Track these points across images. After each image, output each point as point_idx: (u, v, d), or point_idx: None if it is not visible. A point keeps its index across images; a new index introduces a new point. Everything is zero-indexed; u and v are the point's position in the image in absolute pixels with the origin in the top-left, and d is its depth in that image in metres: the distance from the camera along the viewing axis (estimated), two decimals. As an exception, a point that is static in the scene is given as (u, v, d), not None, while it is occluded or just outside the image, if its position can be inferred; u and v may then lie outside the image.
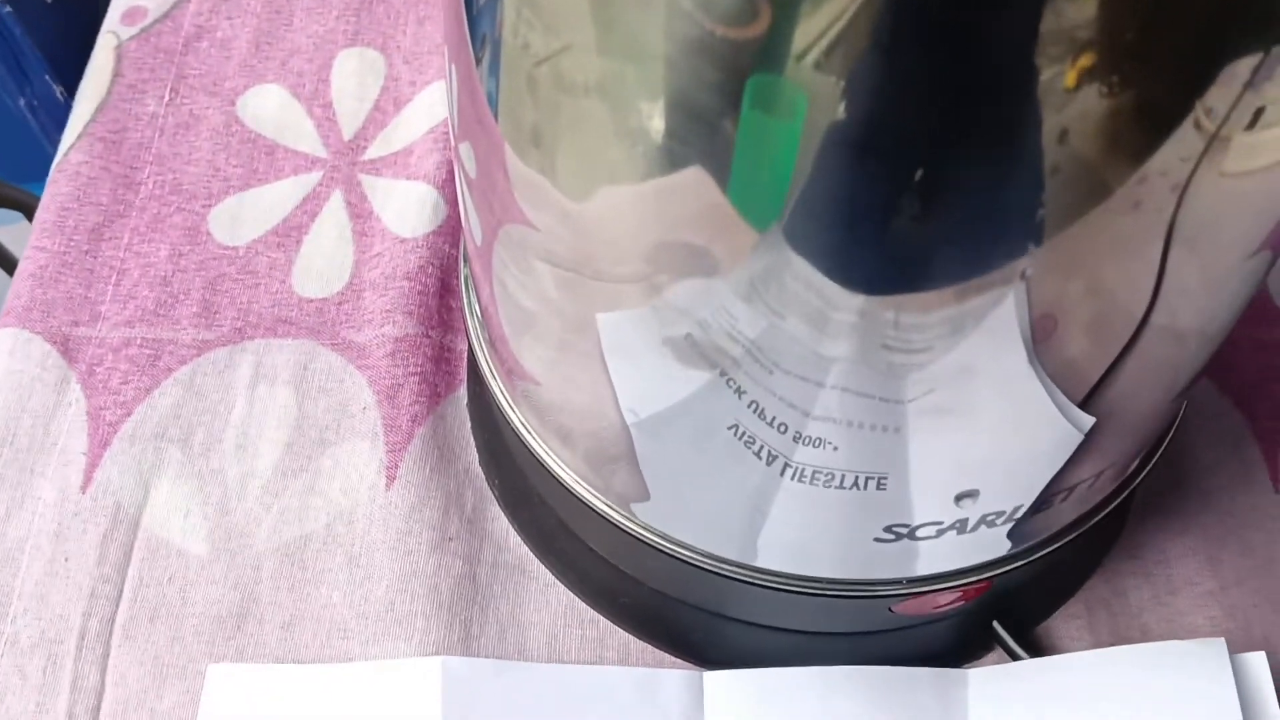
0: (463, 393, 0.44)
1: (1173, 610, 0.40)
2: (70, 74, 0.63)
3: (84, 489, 0.41)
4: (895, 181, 0.23)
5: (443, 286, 0.46)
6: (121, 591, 0.39)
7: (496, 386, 0.37)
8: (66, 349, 0.44)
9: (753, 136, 0.23)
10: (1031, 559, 0.35)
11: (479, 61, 0.28)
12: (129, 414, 0.43)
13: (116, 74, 0.50)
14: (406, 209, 0.47)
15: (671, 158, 0.24)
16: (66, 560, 0.40)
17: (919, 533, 0.32)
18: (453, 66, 0.30)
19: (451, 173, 0.48)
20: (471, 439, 0.43)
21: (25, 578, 0.39)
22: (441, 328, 0.45)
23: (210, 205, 0.47)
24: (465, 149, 0.31)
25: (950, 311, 0.26)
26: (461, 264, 0.39)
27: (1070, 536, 0.35)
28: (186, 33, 0.52)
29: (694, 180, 0.24)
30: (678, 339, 0.28)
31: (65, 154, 0.48)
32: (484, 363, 0.38)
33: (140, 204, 0.47)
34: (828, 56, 0.22)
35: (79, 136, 0.49)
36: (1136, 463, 0.36)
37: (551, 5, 0.25)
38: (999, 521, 0.32)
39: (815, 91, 0.22)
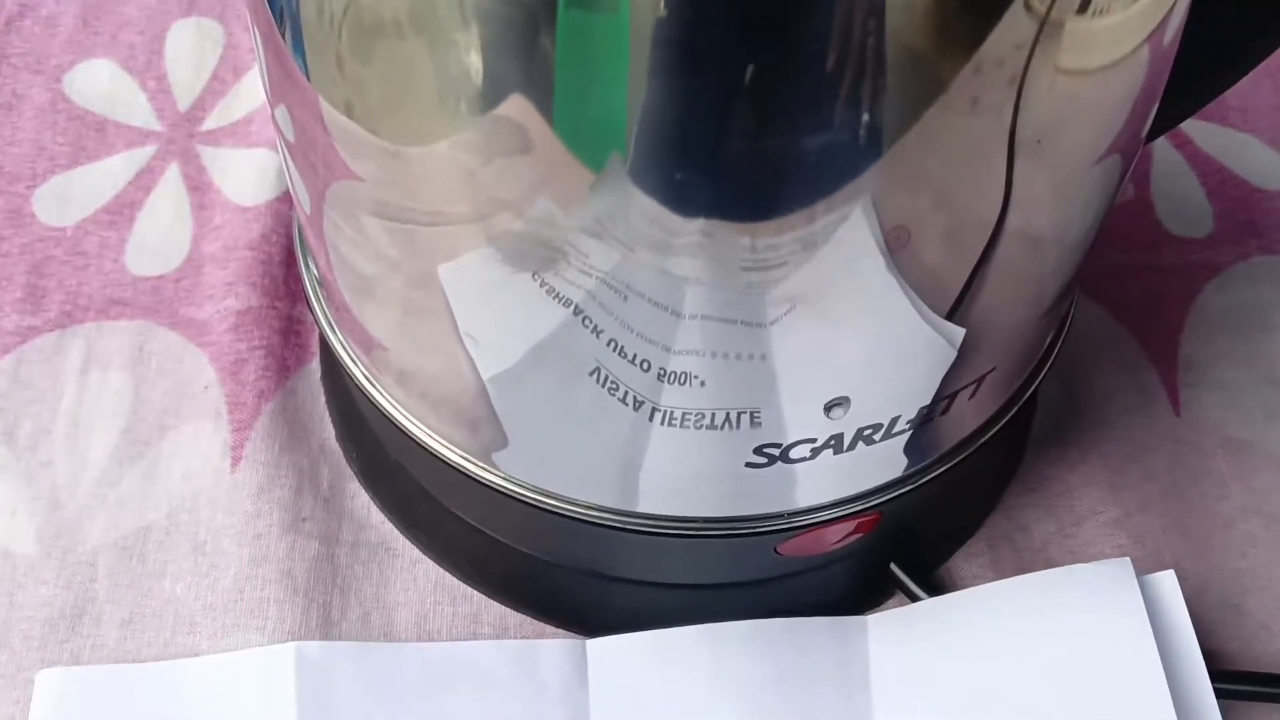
0: (315, 365, 0.41)
1: (1078, 541, 0.38)
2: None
3: (-106, 492, 0.37)
4: (724, 86, 0.21)
5: (288, 255, 0.43)
6: (-60, 600, 0.36)
7: (345, 353, 0.34)
8: (-127, 345, 0.40)
9: (573, 41, 0.21)
10: (920, 483, 0.32)
11: (279, 19, 0.25)
12: (-55, 409, 0.39)
13: (-71, 57, 0.47)
14: (247, 177, 0.44)
15: (493, 85, 0.22)
16: (-125, 569, 0.36)
17: (792, 453, 0.29)
18: (255, 30, 0.27)
19: (296, 138, 0.45)
20: (326, 413, 0.40)
21: None
22: (289, 299, 0.42)
23: (35, 186, 0.44)
24: (281, 113, 0.28)
25: (801, 229, 0.24)
26: (296, 235, 0.36)
27: (960, 458, 0.33)
28: (9, 12, 0.48)
29: (519, 107, 0.22)
30: (525, 280, 0.26)
31: (-127, 142, 0.44)
32: (329, 331, 0.35)
33: (-44, 191, 0.44)
34: None
35: (-113, 123, 0.45)
36: (1022, 379, 0.34)
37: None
38: (878, 437, 0.29)
39: None
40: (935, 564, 0.38)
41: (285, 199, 0.44)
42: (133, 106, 0.46)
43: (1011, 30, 0.21)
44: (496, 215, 0.25)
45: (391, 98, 0.24)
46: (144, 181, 0.44)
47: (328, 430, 0.40)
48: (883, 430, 0.29)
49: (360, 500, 0.39)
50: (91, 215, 0.43)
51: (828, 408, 0.28)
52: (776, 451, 0.29)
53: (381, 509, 0.39)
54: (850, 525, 0.33)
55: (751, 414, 0.29)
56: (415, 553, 0.38)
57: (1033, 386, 0.34)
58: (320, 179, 0.28)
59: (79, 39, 0.48)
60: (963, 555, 0.38)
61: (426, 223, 0.26)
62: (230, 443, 0.38)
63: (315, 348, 0.41)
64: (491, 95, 0.22)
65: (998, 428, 0.33)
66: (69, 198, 0.44)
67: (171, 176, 0.44)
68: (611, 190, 0.23)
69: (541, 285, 0.26)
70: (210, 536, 0.37)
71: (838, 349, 0.27)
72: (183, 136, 0.46)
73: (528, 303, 0.26)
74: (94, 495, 0.38)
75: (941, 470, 0.33)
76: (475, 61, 0.22)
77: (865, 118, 0.22)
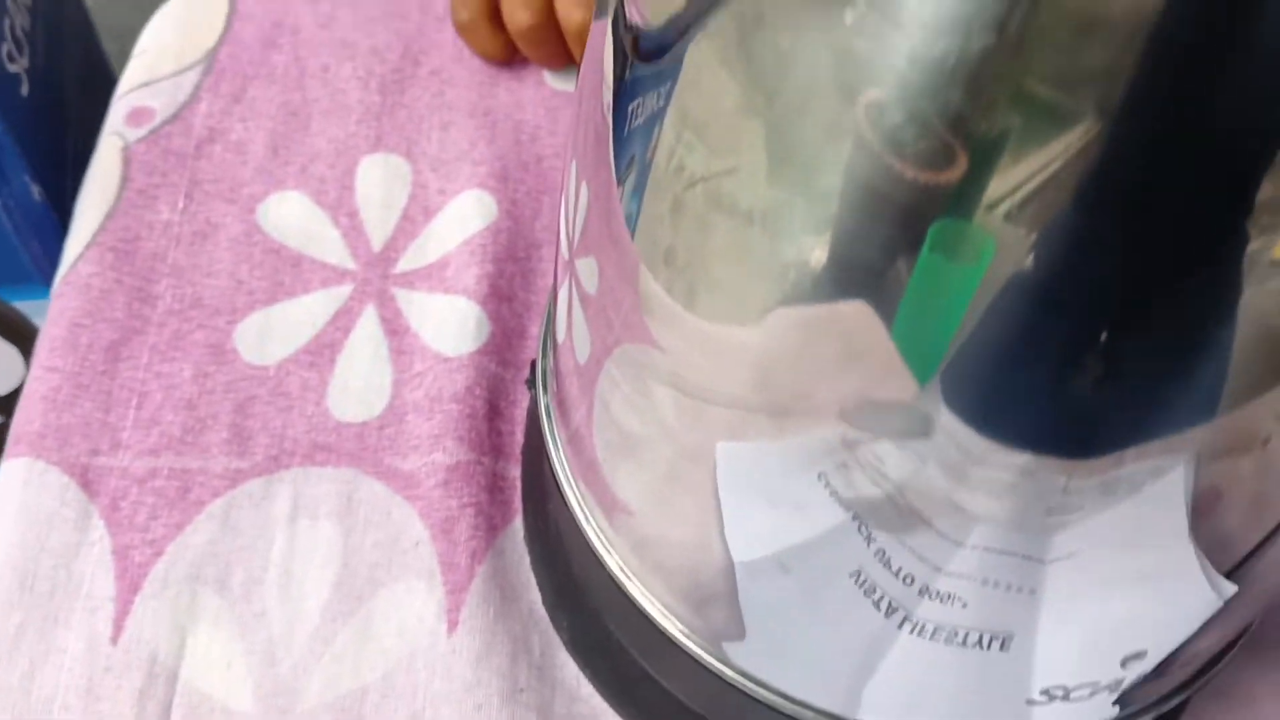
0: (519, 525, 0.42)
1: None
2: (45, 171, 0.59)
3: (114, 639, 0.37)
4: (1079, 341, 0.22)
5: (491, 409, 0.43)
6: (160, 755, 0.36)
7: (583, 516, 0.35)
8: (86, 481, 0.40)
9: (928, 280, 0.22)
10: (1160, 712, 0.33)
11: (621, 180, 0.26)
12: (160, 553, 0.39)
13: (125, 179, 0.47)
14: (446, 325, 0.45)
15: (832, 293, 0.23)
16: (100, 721, 0.36)
17: (1074, 694, 0.30)
18: (583, 183, 0.28)
19: (494, 288, 0.45)
20: (532, 576, 0.41)
21: (55, 743, 0.35)
22: (493, 454, 0.42)
23: (235, 321, 0.44)
24: (586, 264, 0.29)
25: (1111, 476, 0.25)
26: (540, 384, 0.37)
27: (1196, 686, 0.34)
28: (198, 135, 0.49)
29: (853, 316, 0.23)
30: (809, 477, 0.26)
31: (73, 265, 0.45)
32: (570, 491, 0.35)
33: (159, 319, 0.44)
34: (1023, 208, 0.21)
35: (87, 246, 0.45)
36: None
37: (718, 130, 0.23)
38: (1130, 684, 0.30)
39: (1004, 240, 0.21)
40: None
41: (486, 351, 0.44)
42: (326, 242, 0.47)
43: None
44: (803, 413, 0.25)
45: (720, 279, 0.25)
46: (342, 322, 0.45)
47: (534, 594, 0.40)
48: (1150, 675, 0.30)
49: (569, 670, 0.39)
50: (292, 355, 0.44)
51: (1124, 661, 0.29)
52: (1061, 693, 0.30)
53: (593, 681, 0.39)
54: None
55: (1004, 639, 0.29)
56: (626, 728, 0.38)
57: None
58: (612, 336, 0.28)
59: (269, 168, 0.48)
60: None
61: (722, 403, 0.27)
62: (445, 605, 0.39)
63: (518, 505, 0.42)
64: (828, 297, 0.23)
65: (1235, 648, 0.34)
66: (269, 335, 0.44)
67: (369, 319, 0.45)
68: (928, 409, 0.24)
69: (825, 485, 0.26)
70: (428, 704, 0.37)
71: (1120, 606, 0.28)
72: (377, 277, 0.46)
73: (805, 498, 0.27)
74: (309, 651, 0.38)
75: (1180, 699, 0.33)
76: (820, 266, 0.23)
77: (1213, 390, 0.23)
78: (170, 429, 0.42)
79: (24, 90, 0.59)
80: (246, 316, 0.45)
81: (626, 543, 0.33)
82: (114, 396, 0.42)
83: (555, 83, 0.53)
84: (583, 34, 0.49)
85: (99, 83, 0.77)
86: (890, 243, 0.22)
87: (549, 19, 0.50)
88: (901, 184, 0.21)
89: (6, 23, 0.59)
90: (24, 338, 0.65)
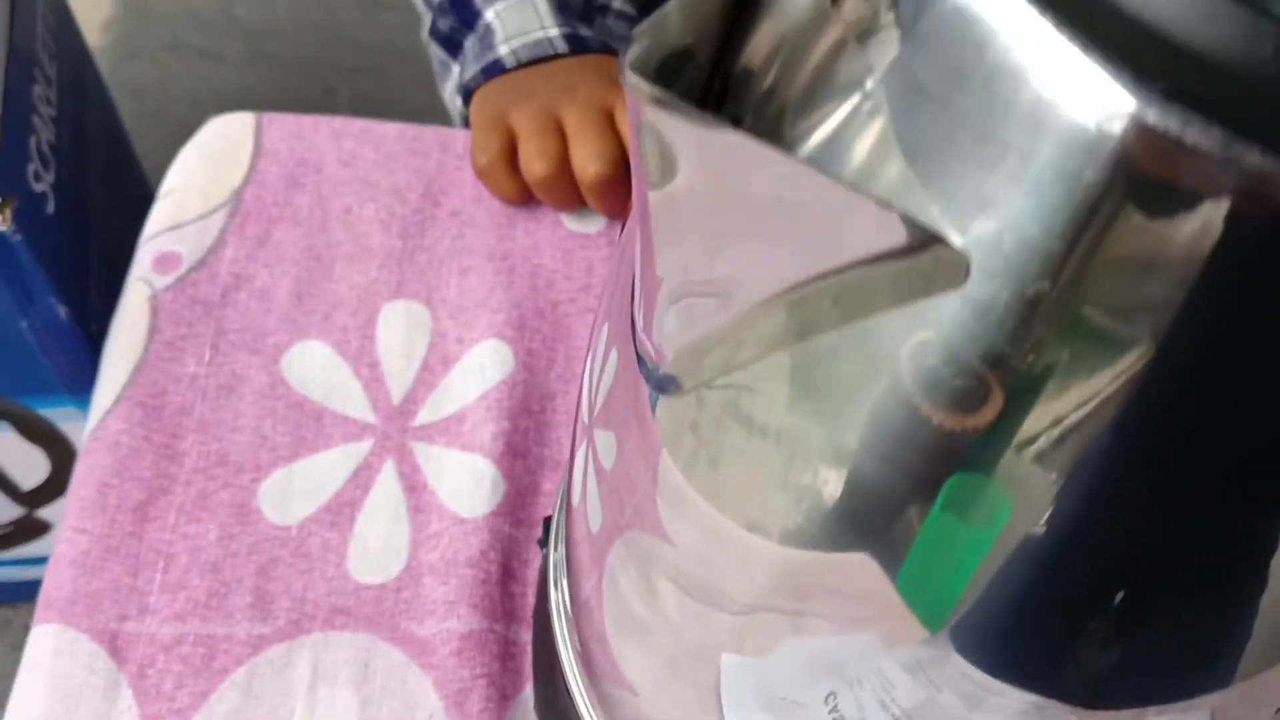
0: (529, 693, 0.43)
1: None
2: (70, 287, 0.60)
3: (141, 815, 0.39)
4: (1092, 603, 0.23)
5: (504, 572, 0.44)
6: None
7: (578, 692, 0.36)
8: (115, 648, 0.41)
9: (937, 537, 0.23)
10: None
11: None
12: (186, 724, 0.40)
13: (153, 329, 0.49)
14: (463, 484, 0.46)
15: (840, 529, 0.23)
16: None
17: None
18: (614, 349, 0.28)
19: (509, 445, 0.47)
20: (542, 747, 0.42)
21: None
22: (505, 619, 0.44)
23: (259, 479, 0.46)
24: (605, 438, 0.29)
25: None
26: (551, 549, 0.38)
27: None
28: (224, 282, 0.50)
29: (858, 560, 0.24)
30: (816, 699, 0.27)
31: (102, 420, 0.46)
32: (566, 663, 0.36)
33: (185, 478, 0.45)
34: (1042, 458, 0.21)
35: (116, 401, 0.47)
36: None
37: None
38: None
39: (1022, 501, 0.22)
40: None
41: (500, 513, 0.45)
42: (348, 395, 0.48)
43: None
44: (805, 637, 0.26)
45: (735, 488, 0.25)
46: (362, 479, 0.46)
47: (545, 765, 0.42)
48: None
49: (578, 844, 0.40)
50: (314, 515, 0.45)
51: None
52: None
53: None
54: None
55: None
56: None
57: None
58: (624, 518, 0.29)
59: (293, 317, 0.50)
60: None
61: (728, 610, 0.27)
62: (459, 781, 0.40)
63: (529, 672, 0.43)
64: (834, 534, 0.23)
65: None
66: (291, 493, 0.46)
67: (387, 475, 0.46)
68: (927, 655, 0.24)
69: (831, 710, 0.28)
70: None
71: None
72: (397, 431, 0.48)
73: (811, 716, 0.28)
74: (328, 826, 0.39)
75: None
76: (831, 501, 0.23)
77: (1228, 657, 0.23)
78: (196, 593, 0.43)
79: (50, 208, 0.60)
80: (270, 474, 0.46)
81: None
82: (141, 559, 0.43)
83: (572, 224, 0.54)
84: (597, 186, 0.50)
85: (122, 171, 0.79)
86: (903, 493, 0.22)
87: (564, 169, 0.51)
88: (925, 431, 0.21)
89: (33, 140, 0.61)
90: (49, 439, 0.67)
